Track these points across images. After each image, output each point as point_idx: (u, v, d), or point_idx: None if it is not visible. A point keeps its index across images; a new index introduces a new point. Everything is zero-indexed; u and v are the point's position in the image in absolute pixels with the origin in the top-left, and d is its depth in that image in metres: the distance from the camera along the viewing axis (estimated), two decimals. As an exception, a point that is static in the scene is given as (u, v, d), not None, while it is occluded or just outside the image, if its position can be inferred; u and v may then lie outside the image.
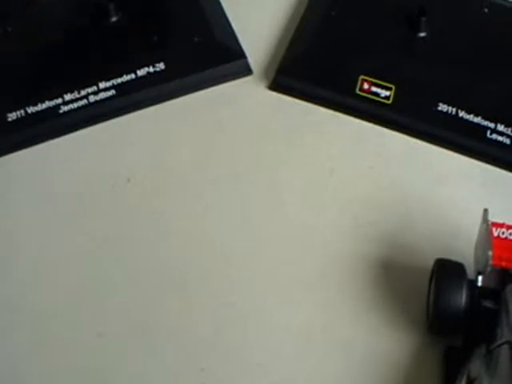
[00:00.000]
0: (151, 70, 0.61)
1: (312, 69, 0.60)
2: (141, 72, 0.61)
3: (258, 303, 0.51)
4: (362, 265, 0.53)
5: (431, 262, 0.50)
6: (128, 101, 0.60)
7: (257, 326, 0.51)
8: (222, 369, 0.49)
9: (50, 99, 0.59)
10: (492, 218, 0.48)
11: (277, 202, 0.56)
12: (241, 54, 0.61)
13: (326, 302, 0.51)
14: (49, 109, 0.59)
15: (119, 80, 0.60)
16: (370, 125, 0.59)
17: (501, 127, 0.57)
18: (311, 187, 0.56)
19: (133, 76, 0.61)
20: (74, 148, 0.59)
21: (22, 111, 0.59)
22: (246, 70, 0.61)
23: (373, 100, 0.59)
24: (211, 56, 0.61)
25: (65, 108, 0.59)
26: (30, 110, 0.59)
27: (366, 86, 0.58)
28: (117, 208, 0.56)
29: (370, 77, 0.59)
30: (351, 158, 0.57)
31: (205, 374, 0.49)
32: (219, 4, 0.64)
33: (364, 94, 0.59)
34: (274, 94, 0.61)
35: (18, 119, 0.59)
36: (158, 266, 0.53)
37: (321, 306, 0.51)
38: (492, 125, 0.57)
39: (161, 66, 0.61)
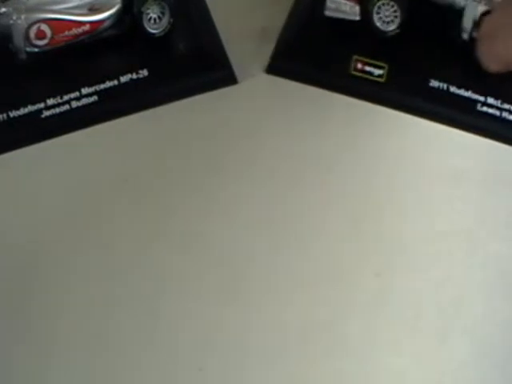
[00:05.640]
0: (134, 76, 0.61)
1: (307, 52, 0.62)
2: (124, 78, 0.61)
3: (257, 302, 0.52)
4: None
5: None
6: (110, 107, 0.60)
7: (256, 325, 0.51)
8: (220, 369, 0.49)
9: (33, 104, 0.59)
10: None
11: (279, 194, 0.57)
12: (226, 63, 0.62)
13: (326, 301, 0.52)
14: (31, 113, 0.59)
15: (102, 86, 0.60)
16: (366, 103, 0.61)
17: (490, 100, 0.59)
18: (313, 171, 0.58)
19: (115, 82, 0.60)
20: (55, 153, 0.58)
21: (4, 115, 0.58)
22: (231, 79, 0.61)
23: (367, 79, 0.61)
24: (195, 64, 0.61)
25: (47, 113, 0.59)
26: (12, 114, 0.58)
27: (359, 65, 0.61)
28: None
29: (363, 56, 0.61)
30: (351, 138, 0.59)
31: (203, 374, 0.49)
32: (207, 10, 0.64)
33: (358, 74, 0.61)
34: (263, 100, 0.61)
35: (-1, 123, 0.58)
36: (156, 266, 0.53)
37: (322, 305, 0.52)
38: (482, 98, 0.59)
39: (144, 72, 0.61)
